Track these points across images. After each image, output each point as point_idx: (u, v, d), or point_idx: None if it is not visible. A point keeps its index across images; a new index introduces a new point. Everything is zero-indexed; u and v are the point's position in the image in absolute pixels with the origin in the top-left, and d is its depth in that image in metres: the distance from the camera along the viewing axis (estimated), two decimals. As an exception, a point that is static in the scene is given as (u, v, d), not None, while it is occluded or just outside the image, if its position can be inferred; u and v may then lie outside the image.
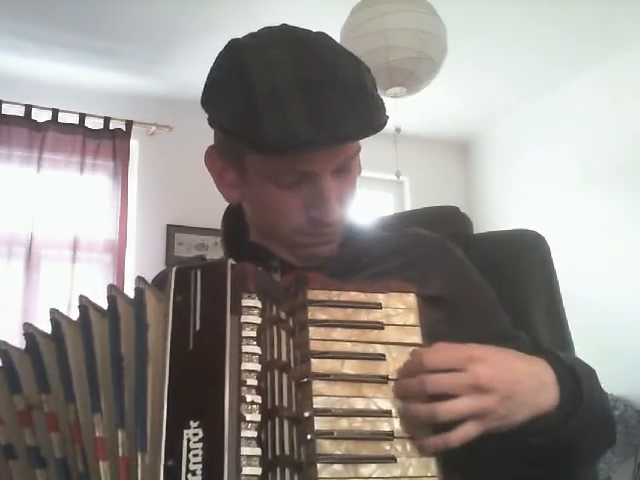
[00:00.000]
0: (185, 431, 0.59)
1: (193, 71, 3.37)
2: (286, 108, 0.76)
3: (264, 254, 0.87)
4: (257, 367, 0.62)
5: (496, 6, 2.88)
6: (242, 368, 0.61)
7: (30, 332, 0.74)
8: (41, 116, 3.34)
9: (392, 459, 0.61)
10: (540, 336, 1.00)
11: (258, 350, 0.63)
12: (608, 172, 3.32)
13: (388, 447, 0.61)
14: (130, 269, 3.35)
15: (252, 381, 0.61)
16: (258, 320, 0.64)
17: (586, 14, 2.94)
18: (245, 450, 0.58)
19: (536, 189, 3.75)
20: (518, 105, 3.82)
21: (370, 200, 3.95)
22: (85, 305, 0.71)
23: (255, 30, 0.87)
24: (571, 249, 3.14)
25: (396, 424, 0.63)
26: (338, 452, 0.60)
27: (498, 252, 1.09)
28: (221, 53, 0.86)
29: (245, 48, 0.83)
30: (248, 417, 0.60)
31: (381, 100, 0.83)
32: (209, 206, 3.42)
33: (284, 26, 0.86)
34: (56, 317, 0.73)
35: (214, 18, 2.94)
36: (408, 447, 0.62)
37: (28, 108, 3.31)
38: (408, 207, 4.04)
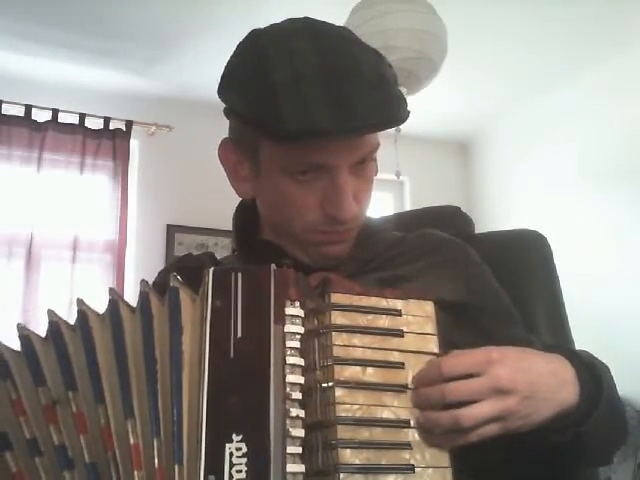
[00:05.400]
0: (227, 445, 0.56)
1: (193, 71, 3.37)
2: (306, 95, 0.74)
3: (277, 252, 0.84)
4: (300, 380, 0.60)
5: (496, 6, 2.88)
6: (287, 381, 0.59)
7: (54, 320, 0.67)
8: (41, 116, 3.34)
9: (411, 469, 0.59)
10: (541, 335, 1.00)
11: (301, 362, 0.60)
12: (608, 172, 3.32)
13: (407, 456, 0.60)
14: (130, 269, 3.36)
15: (296, 395, 0.59)
16: (301, 330, 0.62)
17: (586, 14, 2.94)
18: (290, 467, 0.56)
19: (536, 189, 3.75)
20: (518, 105, 3.82)
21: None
22: (115, 299, 0.65)
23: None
24: (572, 249, 3.14)
25: (415, 433, 0.61)
26: (358, 461, 0.58)
27: (499, 252, 1.08)
28: (241, 42, 0.84)
29: (266, 36, 0.82)
30: (293, 432, 0.57)
31: (402, 95, 0.81)
32: (209, 206, 3.45)
33: (307, 18, 0.84)
34: (83, 309, 0.66)
35: (214, 18, 2.94)
36: (427, 456, 0.60)
37: (28, 108, 3.31)
38: (408, 207, 4.04)
